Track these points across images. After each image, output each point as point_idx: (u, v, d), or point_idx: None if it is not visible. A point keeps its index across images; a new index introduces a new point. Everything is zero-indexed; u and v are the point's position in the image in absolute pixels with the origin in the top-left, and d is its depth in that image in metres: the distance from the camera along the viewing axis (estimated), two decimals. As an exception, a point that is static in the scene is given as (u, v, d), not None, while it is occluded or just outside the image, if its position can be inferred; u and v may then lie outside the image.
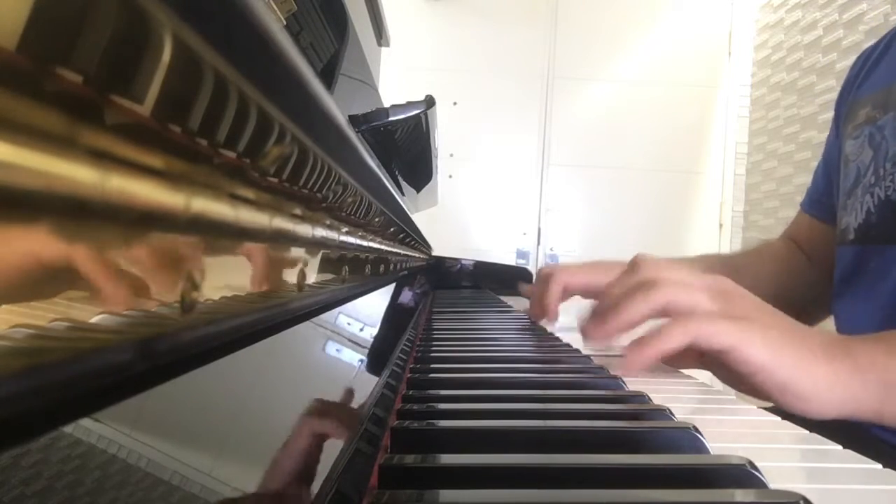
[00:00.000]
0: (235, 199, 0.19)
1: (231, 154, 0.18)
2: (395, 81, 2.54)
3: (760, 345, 0.42)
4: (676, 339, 0.43)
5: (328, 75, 0.49)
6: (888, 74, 0.75)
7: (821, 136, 2.19)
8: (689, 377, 0.52)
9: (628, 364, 0.44)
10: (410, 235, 0.82)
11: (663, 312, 0.47)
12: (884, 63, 0.78)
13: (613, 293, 0.51)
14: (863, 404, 0.43)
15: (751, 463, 0.25)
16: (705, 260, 0.89)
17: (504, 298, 1.29)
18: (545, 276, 0.72)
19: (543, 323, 0.76)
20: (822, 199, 0.89)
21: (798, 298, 0.86)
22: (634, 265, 0.53)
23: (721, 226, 2.86)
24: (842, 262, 0.77)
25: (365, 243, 0.47)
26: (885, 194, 0.70)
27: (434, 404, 0.36)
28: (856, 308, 0.74)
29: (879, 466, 0.30)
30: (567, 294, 0.71)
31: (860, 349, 0.44)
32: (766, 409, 0.43)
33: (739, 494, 0.24)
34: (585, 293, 0.70)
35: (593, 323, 0.50)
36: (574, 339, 0.66)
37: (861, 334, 0.47)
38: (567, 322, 0.81)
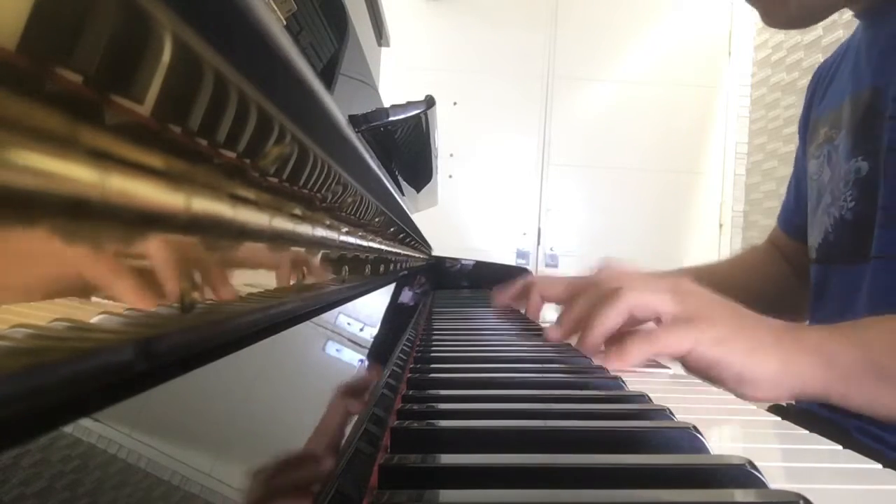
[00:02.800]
0: (235, 199, 0.19)
1: (231, 154, 0.18)
2: (395, 81, 2.54)
3: (712, 343, 0.46)
4: (641, 355, 0.49)
5: (328, 75, 0.49)
6: (841, 92, 0.75)
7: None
8: (688, 377, 0.52)
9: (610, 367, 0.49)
10: (410, 235, 0.82)
11: (632, 316, 0.52)
12: (837, 80, 0.78)
13: (579, 306, 0.57)
14: (808, 384, 0.46)
15: (751, 463, 0.25)
16: (687, 273, 0.89)
17: (504, 298, 1.28)
18: (527, 286, 0.79)
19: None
20: (793, 218, 0.89)
21: (777, 305, 0.85)
22: (596, 275, 0.60)
23: (721, 226, 2.86)
24: (813, 281, 0.77)
25: (365, 243, 0.47)
26: (840, 213, 0.70)
27: (434, 404, 0.36)
28: None
29: (879, 466, 0.30)
30: (543, 303, 0.79)
31: (807, 333, 0.48)
32: (766, 409, 0.43)
33: (739, 494, 0.24)
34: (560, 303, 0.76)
35: (569, 338, 0.55)
36: (573, 340, 0.66)
37: None
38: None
